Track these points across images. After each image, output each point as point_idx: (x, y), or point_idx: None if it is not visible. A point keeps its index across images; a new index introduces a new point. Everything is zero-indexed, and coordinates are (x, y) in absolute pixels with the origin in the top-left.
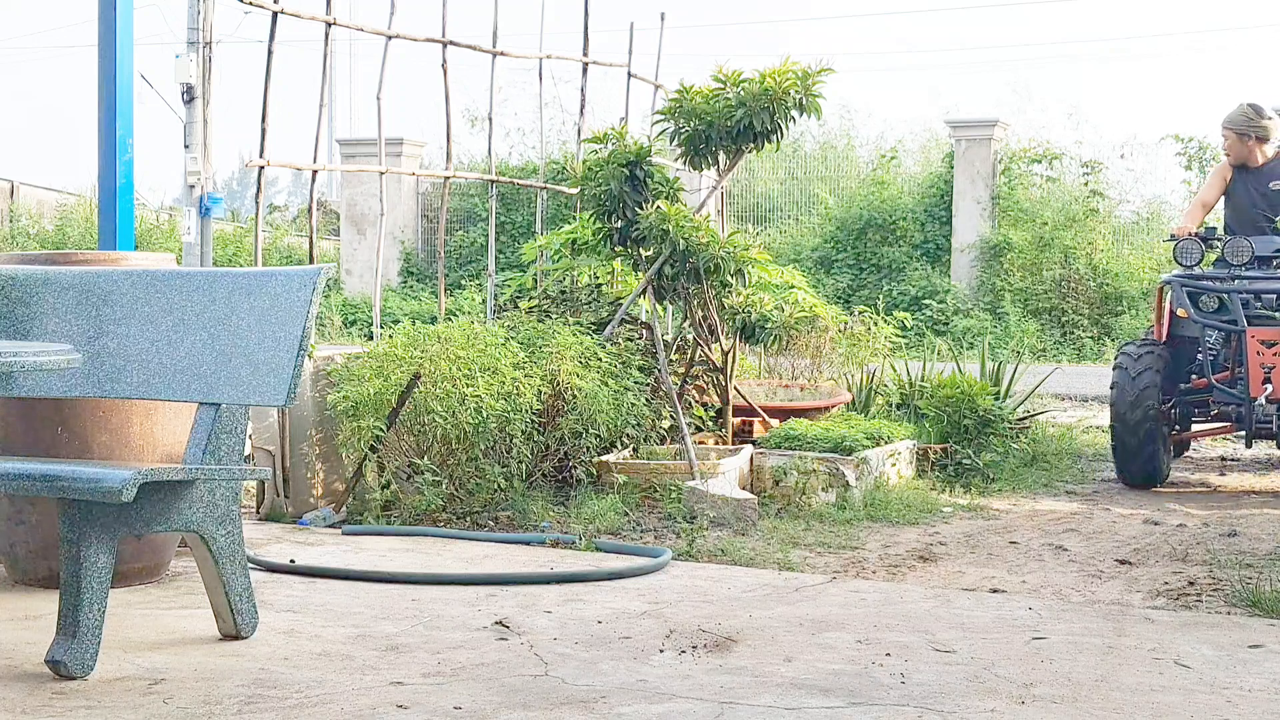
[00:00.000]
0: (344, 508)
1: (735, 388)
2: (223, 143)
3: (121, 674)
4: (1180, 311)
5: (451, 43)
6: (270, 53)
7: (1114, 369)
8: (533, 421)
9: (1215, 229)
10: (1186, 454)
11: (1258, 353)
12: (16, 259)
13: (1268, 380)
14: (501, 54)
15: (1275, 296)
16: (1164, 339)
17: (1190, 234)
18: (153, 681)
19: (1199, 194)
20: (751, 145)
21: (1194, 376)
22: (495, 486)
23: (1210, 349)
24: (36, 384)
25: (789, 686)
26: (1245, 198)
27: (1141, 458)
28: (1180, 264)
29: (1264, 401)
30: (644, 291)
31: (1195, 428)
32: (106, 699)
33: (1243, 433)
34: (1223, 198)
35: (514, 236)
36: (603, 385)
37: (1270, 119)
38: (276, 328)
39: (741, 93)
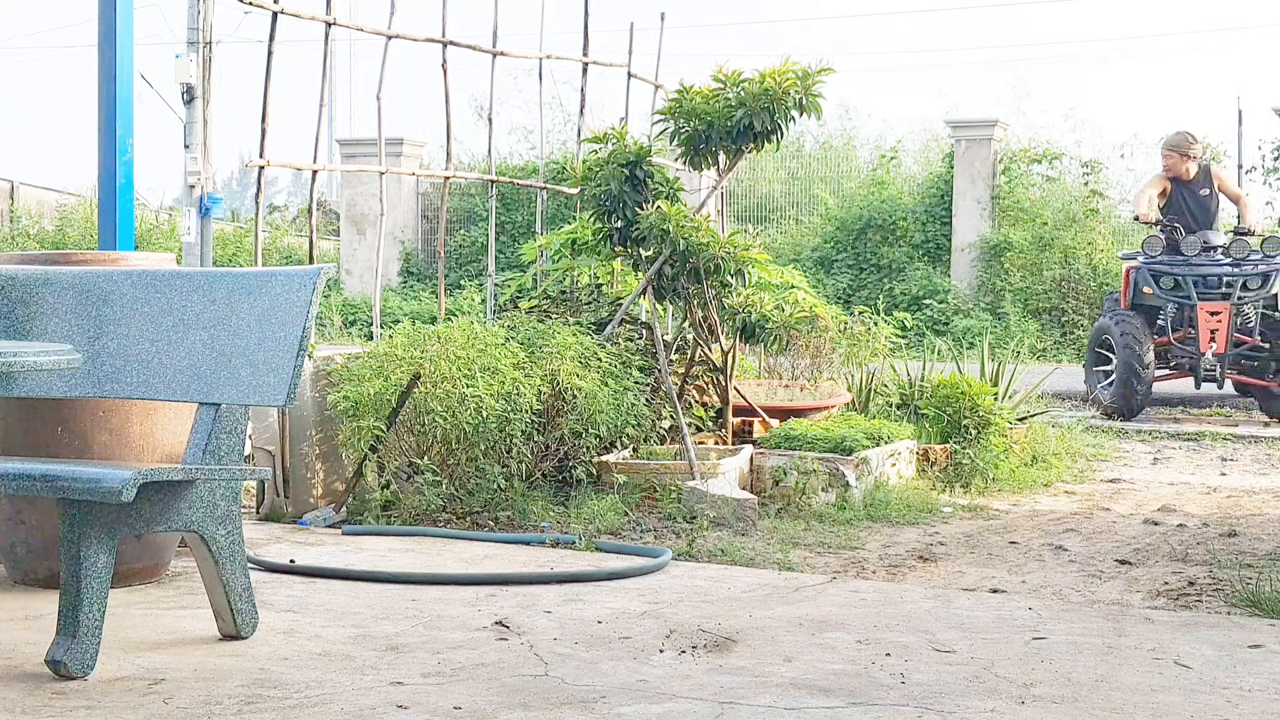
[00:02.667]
0: (344, 508)
1: (735, 388)
2: (223, 143)
3: (121, 674)
4: (1146, 289)
5: (451, 43)
6: (270, 53)
7: (1120, 334)
8: (533, 421)
9: (1174, 217)
10: (1192, 446)
11: (1205, 320)
12: (16, 259)
13: (1212, 339)
14: (501, 54)
15: (1216, 279)
16: (1127, 307)
17: (1154, 220)
18: (153, 681)
19: (1144, 191)
20: (751, 145)
21: (1156, 337)
22: (495, 486)
23: (1167, 317)
24: (36, 384)
25: (789, 686)
26: (1182, 204)
27: (1143, 401)
28: (1147, 253)
29: (1209, 355)
30: (644, 291)
31: (1159, 373)
32: (106, 699)
33: (1191, 377)
34: (1160, 198)
35: (514, 236)
36: (603, 385)
37: (1197, 144)
38: (276, 328)
39: (741, 93)
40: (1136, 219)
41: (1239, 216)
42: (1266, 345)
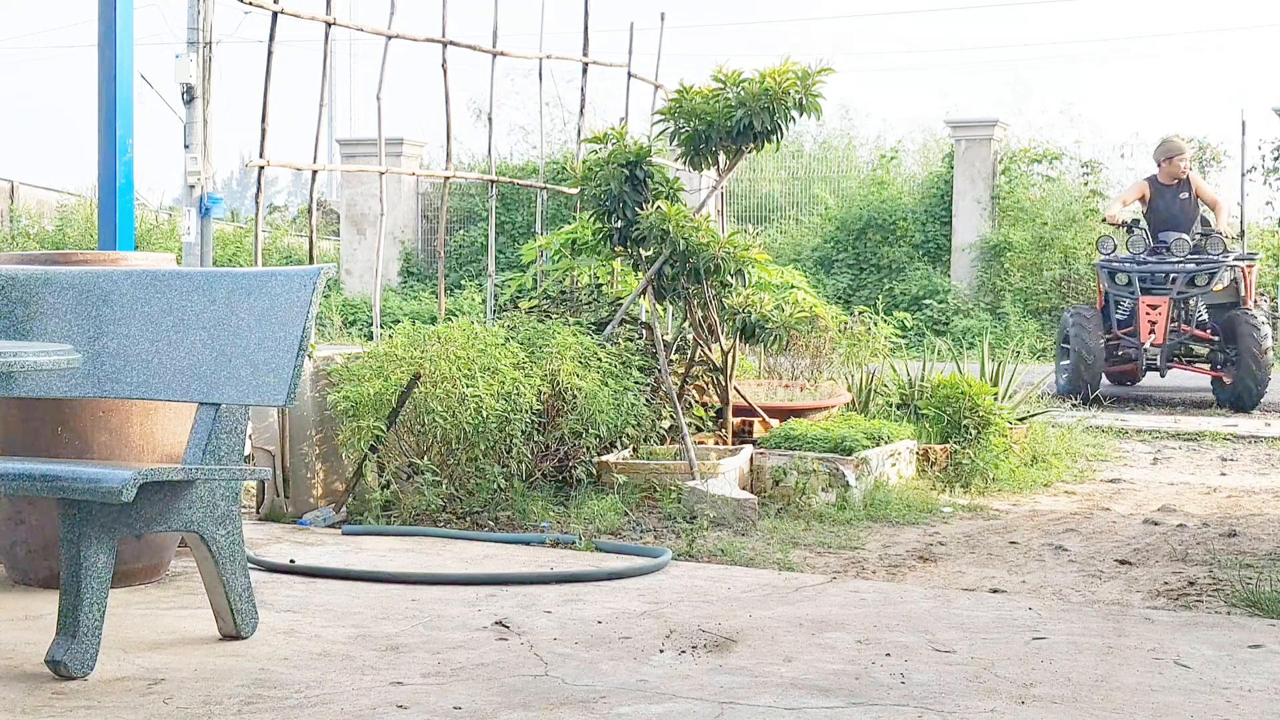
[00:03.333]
0: (344, 508)
1: (735, 388)
2: (223, 143)
3: (121, 674)
4: (1102, 286)
5: (451, 43)
6: (270, 53)
7: (1072, 327)
8: (533, 421)
9: (1139, 219)
10: (1192, 446)
11: (1146, 312)
12: (16, 259)
13: (1152, 330)
14: (501, 54)
15: (1162, 275)
16: (1101, 305)
17: (1120, 222)
18: (153, 681)
19: (1122, 195)
20: (751, 145)
21: (1112, 329)
22: (495, 486)
23: (1123, 311)
24: (36, 384)
25: (789, 686)
26: (1163, 208)
27: (1091, 386)
28: (1101, 252)
29: (1149, 345)
30: (644, 291)
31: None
32: (106, 699)
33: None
34: (1140, 203)
35: (514, 236)
36: (603, 385)
37: (1182, 148)
38: (276, 328)
39: (741, 93)
40: (1104, 221)
41: (1215, 219)
42: (1217, 338)
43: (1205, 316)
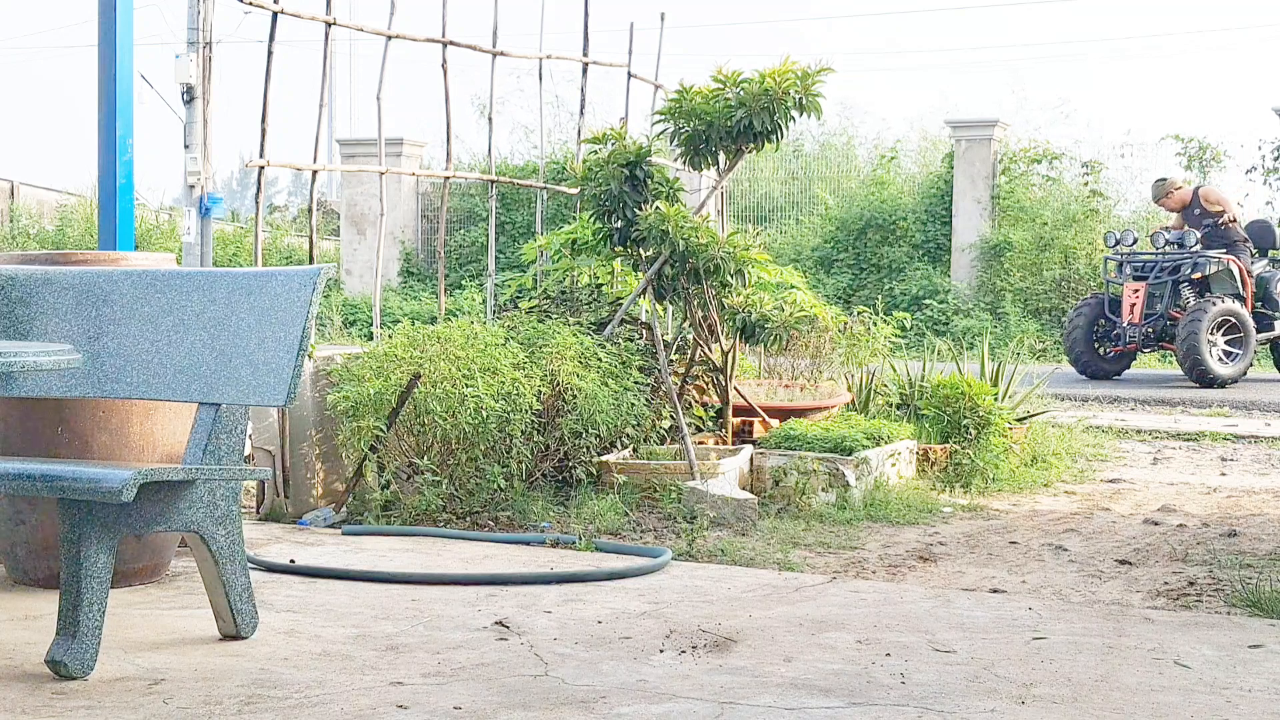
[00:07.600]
0: (344, 508)
1: (735, 388)
2: (223, 143)
3: (121, 674)
4: (1105, 276)
5: (451, 43)
6: (270, 53)
7: (1068, 318)
8: (533, 421)
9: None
10: (1192, 446)
11: (1128, 295)
12: (16, 259)
13: (1132, 310)
14: (501, 54)
15: (1146, 264)
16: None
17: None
18: (153, 681)
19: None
20: (751, 145)
21: (1116, 315)
22: (495, 486)
23: (1121, 297)
24: (36, 384)
25: (789, 686)
26: (1190, 224)
27: (1084, 363)
28: (1106, 245)
29: (1127, 324)
30: (644, 291)
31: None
32: (106, 699)
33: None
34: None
35: (514, 236)
36: (603, 385)
37: (1170, 180)
38: (276, 328)
39: (741, 93)
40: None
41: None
42: None
43: (1192, 303)
